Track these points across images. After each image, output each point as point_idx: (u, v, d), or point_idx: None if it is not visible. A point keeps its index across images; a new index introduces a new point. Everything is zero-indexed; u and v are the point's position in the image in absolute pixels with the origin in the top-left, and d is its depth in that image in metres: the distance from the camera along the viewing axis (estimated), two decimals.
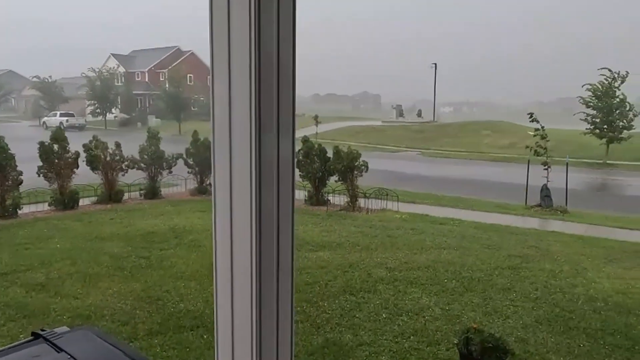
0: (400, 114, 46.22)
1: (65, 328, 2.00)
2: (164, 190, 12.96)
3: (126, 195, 12.26)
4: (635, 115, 21.97)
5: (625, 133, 22.05)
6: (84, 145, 11.62)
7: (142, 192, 12.55)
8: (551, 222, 10.91)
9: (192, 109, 37.66)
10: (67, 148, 11.17)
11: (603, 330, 5.14)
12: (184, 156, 13.01)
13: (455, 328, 5.00)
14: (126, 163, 12.04)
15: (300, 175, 11.97)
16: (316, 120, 31.78)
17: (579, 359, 4.55)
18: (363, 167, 11.45)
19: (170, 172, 12.87)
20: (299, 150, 11.83)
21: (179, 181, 13.33)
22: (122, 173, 12.13)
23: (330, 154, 11.78)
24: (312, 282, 6.45)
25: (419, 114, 45.44)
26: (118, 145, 12.06)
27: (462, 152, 28.05)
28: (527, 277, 6.80)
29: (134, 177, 12.60)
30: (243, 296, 1.15)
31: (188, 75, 42.00)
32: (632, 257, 7.97)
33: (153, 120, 41.85)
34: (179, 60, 47.49)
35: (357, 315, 5.45)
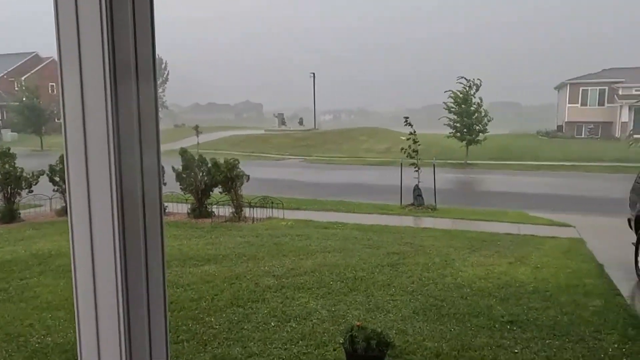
0: (283, 122, 46.87)
1: None
2: (24, 212, 11.58)
3: None
4: (489, 120, 25.03)
5: (481, 136, 25.03)
6: None
7: None
8: (423, 219, 11.85)
9: (56, 120, 34.14)
10: None
11: (469, 313, 5.70)
12: (48, 173, 11.76)
13: (341, 328, 5.16)
14: None
15: (180, 187, 11.52)
16: (197, 130, 30.80)
17: (450, 342, 4.98)
18: (243, 176, 11.37)
19: (31, 192, 11.55)
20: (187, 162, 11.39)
21: (42, 201, 12.00)
22: None
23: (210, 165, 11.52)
24: (197, 298, 6.22)
25: (301, 122, 46.53)
26: None
27: (343, 157, 29.26)
28: (404, 272, 7.29)
29: None
30: (110, 321, 1.07)
31: (50, 84, 38.12)
32: (490, 246, 8.96)
33: (8, 135, 37.24)
34: (38, 68, 42.92)
35: (245, 327, 5.37)
